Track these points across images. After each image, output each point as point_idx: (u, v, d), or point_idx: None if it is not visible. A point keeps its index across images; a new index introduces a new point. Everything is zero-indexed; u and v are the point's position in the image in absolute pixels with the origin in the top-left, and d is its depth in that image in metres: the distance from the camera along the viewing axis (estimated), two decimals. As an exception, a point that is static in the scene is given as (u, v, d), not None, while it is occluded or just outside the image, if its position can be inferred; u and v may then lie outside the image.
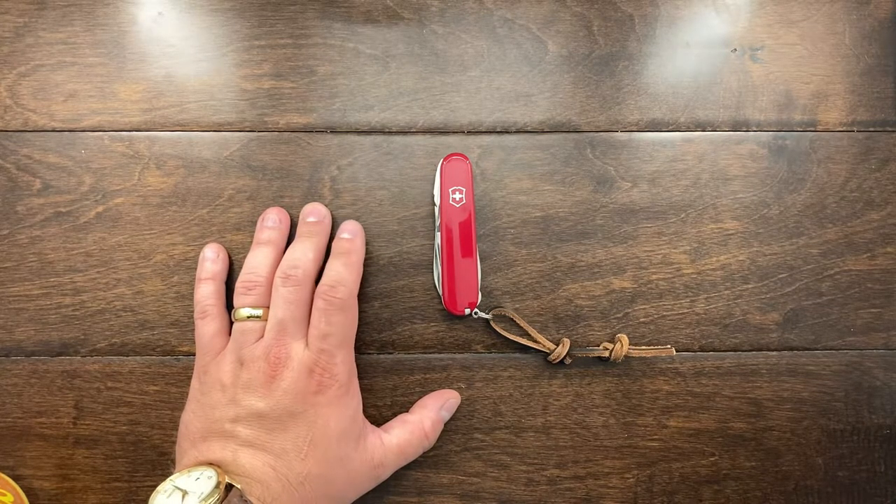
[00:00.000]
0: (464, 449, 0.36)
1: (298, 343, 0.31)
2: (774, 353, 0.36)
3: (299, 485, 0.29)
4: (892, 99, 0.37)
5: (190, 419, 0.31)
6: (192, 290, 0.35)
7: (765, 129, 0.37)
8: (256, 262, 0.33)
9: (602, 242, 0.36)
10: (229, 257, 0.35)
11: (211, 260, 0.34)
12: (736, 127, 0.37)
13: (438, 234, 0.35)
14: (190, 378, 0.34)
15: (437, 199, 0.35)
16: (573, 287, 0.36)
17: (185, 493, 0.26)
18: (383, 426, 0.34)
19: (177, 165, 0.36)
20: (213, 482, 0.26)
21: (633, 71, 0.37)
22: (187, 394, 0.33)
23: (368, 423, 0.33)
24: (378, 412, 0.36)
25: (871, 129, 0.37)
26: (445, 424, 0.35)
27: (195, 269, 0.35)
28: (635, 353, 0.35)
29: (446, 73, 0.36)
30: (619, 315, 0.36)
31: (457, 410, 0.35)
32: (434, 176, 0.36)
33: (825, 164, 0.37)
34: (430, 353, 0.36)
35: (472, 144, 0.36)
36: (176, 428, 0.34)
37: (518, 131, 0.36)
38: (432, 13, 0.37)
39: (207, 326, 0.33)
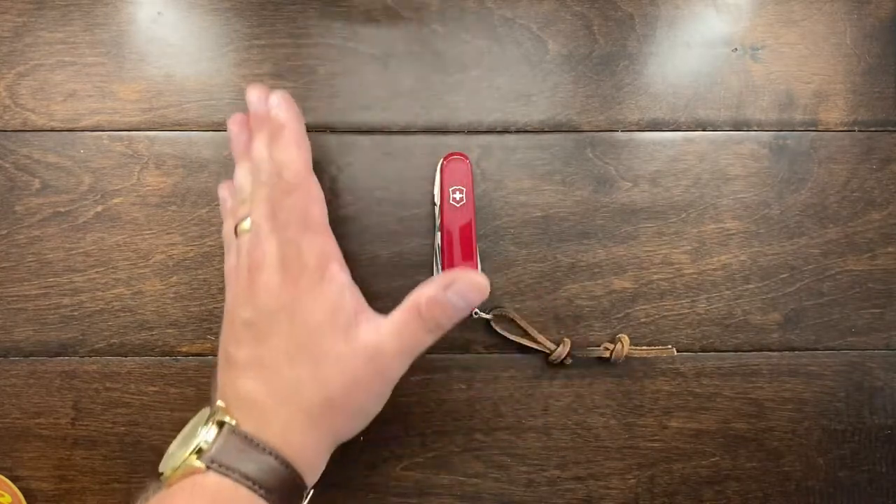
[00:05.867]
0: (464, 450, 0.36)
1: (270, 242, 0.29)
2: (775, 353, 0.36)
3: (295, 393, 0.28)
4: (894, 99, 0.37)
5: (219, 347, 0.31)
6: (191, 290, 0.35)
7: (766, 128, 0.37)
8: (245, 179, 0.32)
9: (602, 242, 0.36)
10: None
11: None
12: (737, 126, 0.37)
13: (438, 234, 0.34)
14: (189, 379, 0.34)
15: (437, 199, 0.35)
16: (573, 287, 0.36)
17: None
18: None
19: (176, 165, 0.36)
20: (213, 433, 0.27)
21: (633, 70, 0.37)
22: (186, 395, 0.33)
23: (365, 314, 0.30)
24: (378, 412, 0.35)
25: (873, 128, 0.37)
26: (444, 426, 0.34)
27: (194, 268, 0.35)
28: (636, 353, 0.35)
29: (446, 73, 0.36)
30: (619, 315, 0.36)
31: (457, 411, 0.35)
32: (434, 176, 0.36)
33: (826, 164, 0.36)
34: (430, 353, 0.36)
35: (472, 144, 0.36)
36: (175, 429, 0.34)
37: (518, 131, 0.36)
38: (432, 13, 0.37)
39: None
